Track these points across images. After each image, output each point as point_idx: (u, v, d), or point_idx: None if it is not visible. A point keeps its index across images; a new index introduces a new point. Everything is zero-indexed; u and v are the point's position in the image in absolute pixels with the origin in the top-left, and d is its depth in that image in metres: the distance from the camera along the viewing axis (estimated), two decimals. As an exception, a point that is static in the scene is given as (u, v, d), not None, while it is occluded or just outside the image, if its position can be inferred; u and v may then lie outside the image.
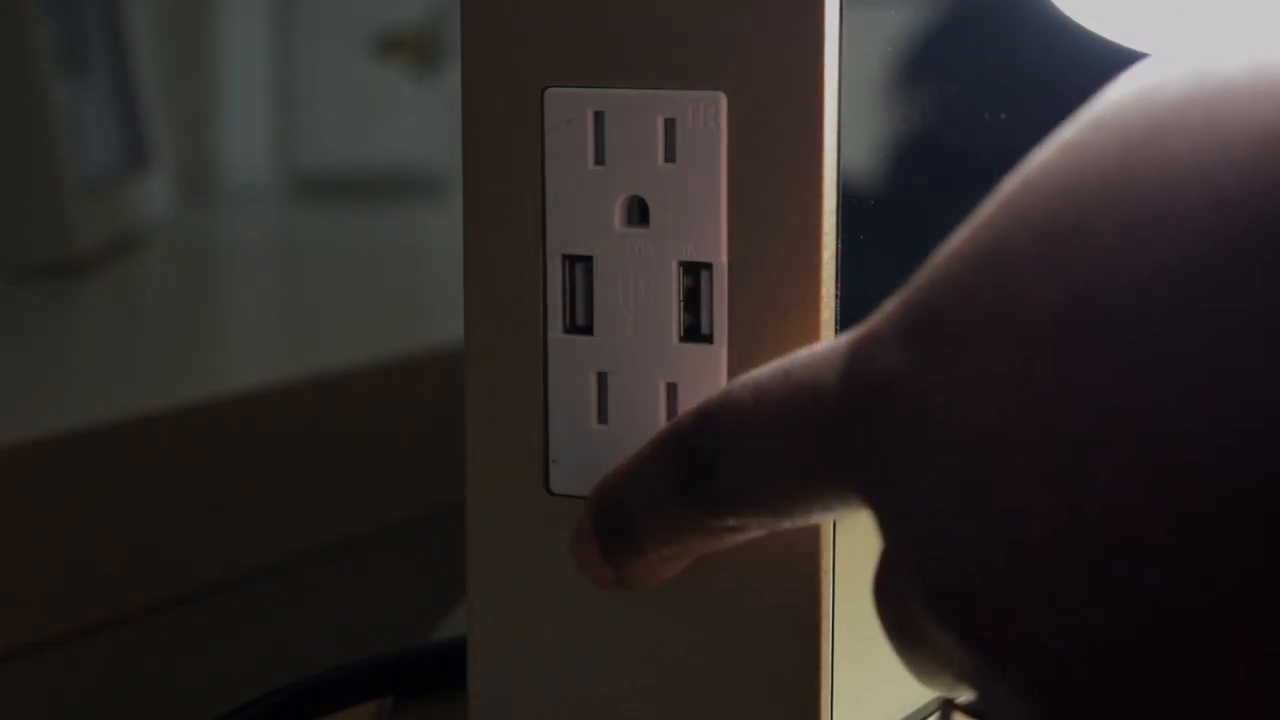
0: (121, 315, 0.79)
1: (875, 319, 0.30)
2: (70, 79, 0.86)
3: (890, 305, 0.29)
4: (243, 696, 0.43)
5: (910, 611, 0.29)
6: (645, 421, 0.36)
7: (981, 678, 0.27)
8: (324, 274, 0.92)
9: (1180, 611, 0.24)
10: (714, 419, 0.33)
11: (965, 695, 0.32)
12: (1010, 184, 0.28)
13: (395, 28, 1.04)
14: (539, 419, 0.37)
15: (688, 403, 0.36)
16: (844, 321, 0.35)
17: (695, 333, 0.36)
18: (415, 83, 1.06)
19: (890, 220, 0.38)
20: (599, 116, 0.36)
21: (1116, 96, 0.27)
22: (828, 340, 0.31)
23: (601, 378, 0.37)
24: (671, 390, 0.36)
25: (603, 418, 0.37)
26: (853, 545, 0.36)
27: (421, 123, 1.12)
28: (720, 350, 0.36)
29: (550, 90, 0.37)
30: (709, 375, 0.36)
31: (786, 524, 0.33)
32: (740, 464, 0.32)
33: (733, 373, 0.36)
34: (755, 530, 0.33)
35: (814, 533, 0.35)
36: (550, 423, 0.37)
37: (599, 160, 0.36)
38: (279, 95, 1.14)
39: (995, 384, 0.26)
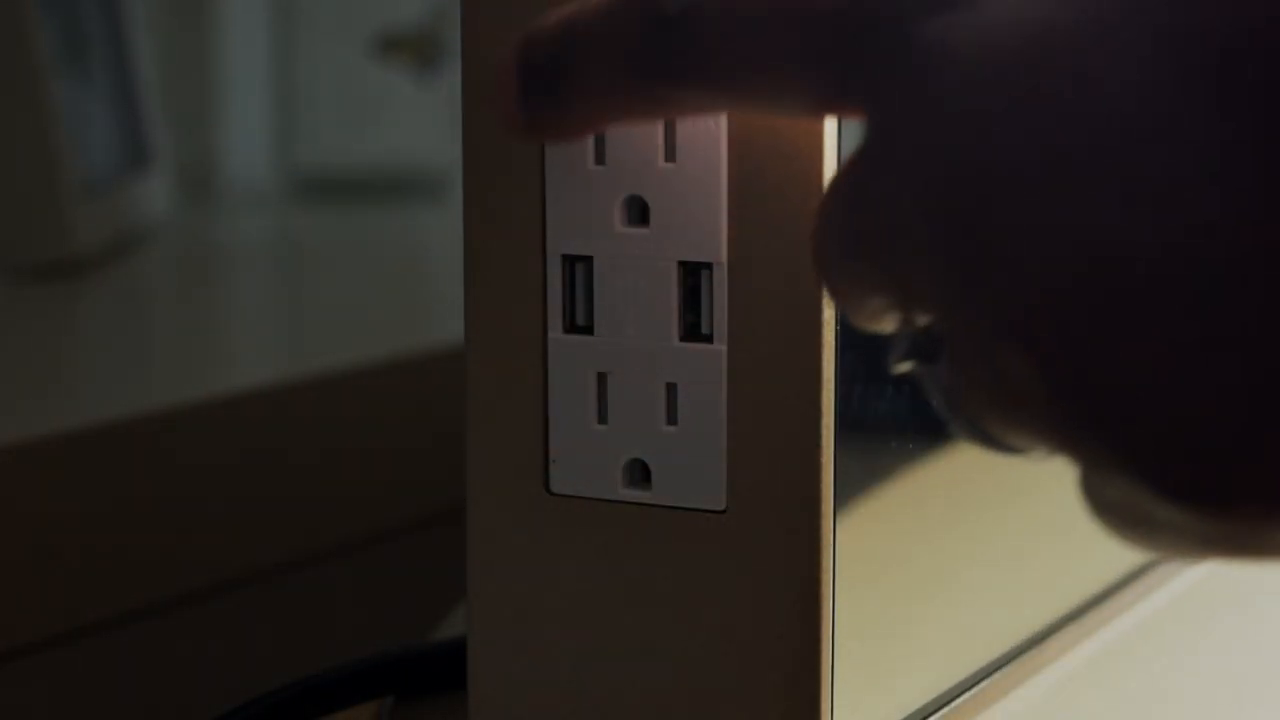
0: (121, 315, 0.79)
1: None
2: (70, 79, 0.86)
3: None
4: (243, 696, 0.43)
5: (887, 207, 0.28)
6: (645, 421, 0.36)
7: (953, 299, 0.27)
8: (324, 274, 0.92)
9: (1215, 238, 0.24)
10: None
11: (865, 316, 0.30)
12: None
13: (395, 28, 1.04)
14: (539, 419, 0.37)
15: (688, 403, 0.36)
16: (844, 321, 0.35)
17: (695, 333, 0.36)
18: (415, 83, 1.06)
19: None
20: (599, 116, 0.36)
21: None
22: None
23: (601, 378, 0.37)
24: (671, 390, 0.36)
25: (603, 418, 0.37)
26: (853, 545, 0.36)
27: (421, 123, 1.12)
28: (720, 350, 0.36)
29: (550, 90, 0.37)
30: (709, 375, 0.36)
31: (739, 109, 0.31)
32: (722, 34, 0.30)
33: (733, 373, 0.36)
34: (697, 110, 0.32)
35: (814, 532, 0.35)
36: (550, 423, 0.37)
37: (599, 160, 0.36)
38: (279, 95, 1.14)
39: None
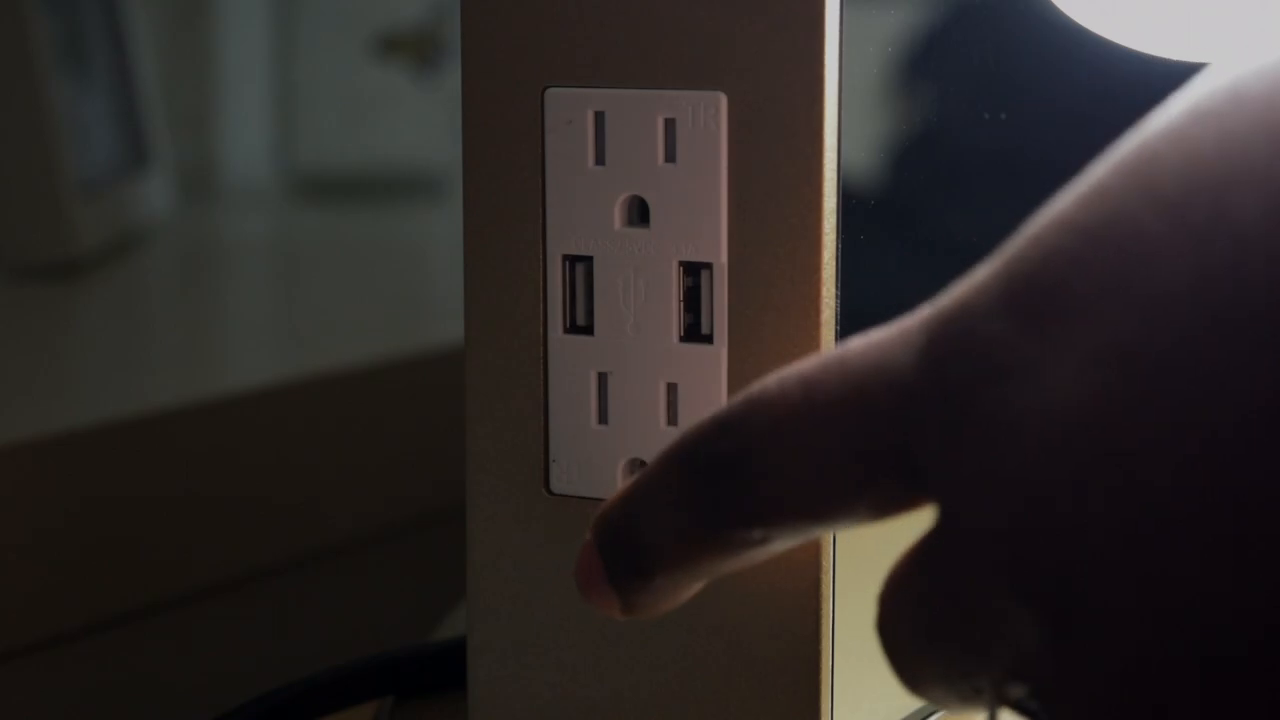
0: (121, 315, 0.79)
1: (958, 295, 0.28)
2: (70, 79, 0.86)
3: (979, 278, 0.28)
4: (243, 696, 0.43)
5: (969, 591, 0.27)
6: (645, 421, 0.36)
7: (1055, 669, 0.26)
8: (324, 274, 0.92)
9: None
10: (741, 423, 0.30)
11: (966, 710, 0.31)
12: (1129, 150, 0.27)
13: (395, 28, 1.04)
14: (539, 419, 0.37)
15: (688, 402, 0.36)
16: (844, 321, 0.35)
17: (695, 333, 0.36)
18: (415, 83, 1.06)
19: (890, 220, 0.38)
20: (599, 116, 0.36)
21: (1260, 65, 0.26)
22: (875, 332, 0.30)
23: (601, 378, 0.37)
24: (671, 390, 0.36)
25: (603, 418, 0.37)
26: (853, 545, 0.36)
27: (421, 123, 1.11)
28: (720, 350, 0.36)
29: (550, 90, 0.37)
30: (709, 375, 0.36)
31: (822, 530, 0.31)
32: (781, 465, 0.30)
33: (733, 373, 0.36)
34: (779, 543, 0.31)
35: (814, 533, 0.35)
36: (550, 423, 0.37)
37: (599, 160, 0.36)
38: (279, 95, 1.14)
39: (1116, 357, 0.25)
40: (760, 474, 0.30)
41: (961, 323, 0.28)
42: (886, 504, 0.30)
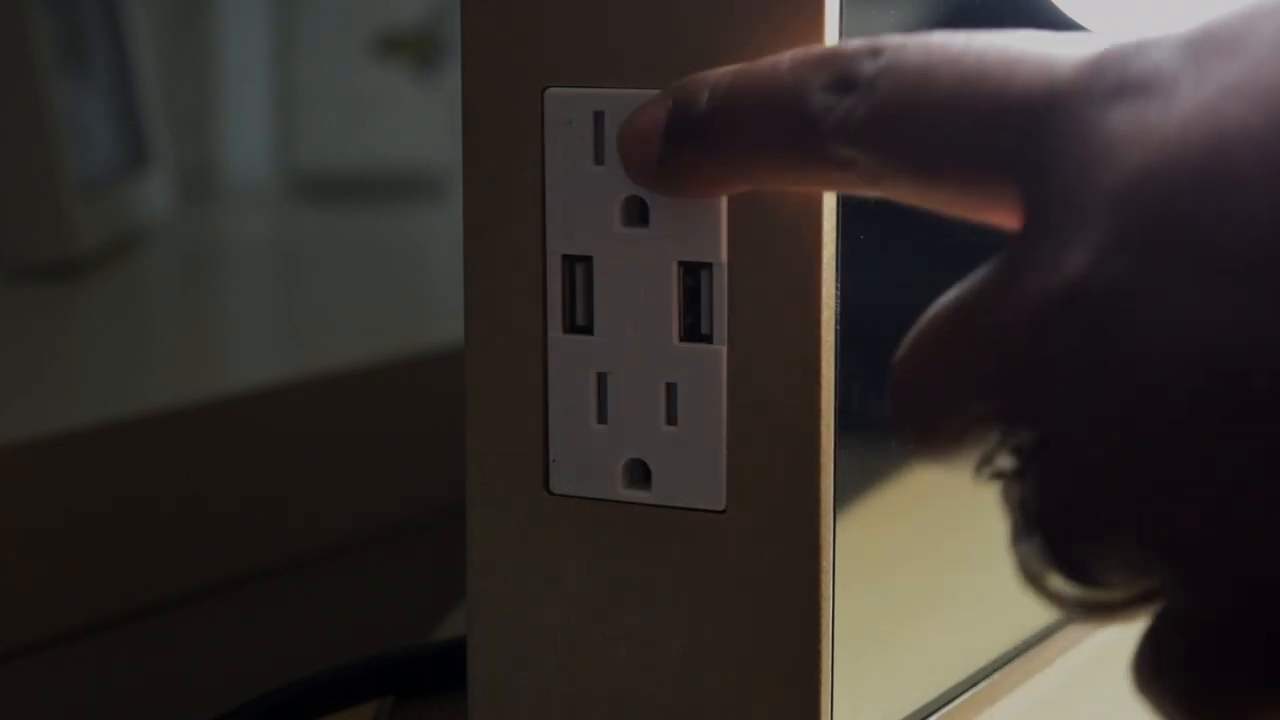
0: (121, 315, 0.79)
1: (1145, 33, 0.28)
2: (70, 79, 0.86)
3: (1171, 29, 0.28)
4: (243, 696, 0.43)
5: (1025, 313, 0.27)
6: (645, 421, 0.36)
7: (1077, 406, 0.26)
8: (324, 274, 0.92)
9: None
10: (895, 53, 0.30)
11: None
12: None
13: (395, 28, 1.04)
14: (539, 419, 0.37)
15: (688, 403, 0.36)
16: (844, 322, 0.35)
17: (695, 333, 0.36)
18: (415, 83, 1.06)
19: (890, 220, 0.38)
20: (599, 116, 0.36)
21: None
22: (1058, 36, 0.30)
23: (601, 378, 0.37)
24: (671, 390, 0.36)
25: (603, 418, 0.37)
26: (853, 545, 0.36)
27: (421, 123, 1.11)
28: (720, 350, 0.36)
29: (550, 90, 0.37)
30: (709, 375, 0.36)
31: (901, 185, 0.30)
32: (913, 100, 0.30)
33: (733, 373, 0.36)
34: (857, 177, 0.31)
35: (814, 533, 0.35)
36: (550, 423, 0.37)
37: (599, 160, 0.36)
38: (279, 95, 1.14)
39: (1251, 88, 0.26)
40: (889, 103, 0.30)
41: (1134, 47, 0.28)
42: (980, 192, 0.29)
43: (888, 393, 0.30)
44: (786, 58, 0.32)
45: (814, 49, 0.32)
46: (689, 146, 0.33)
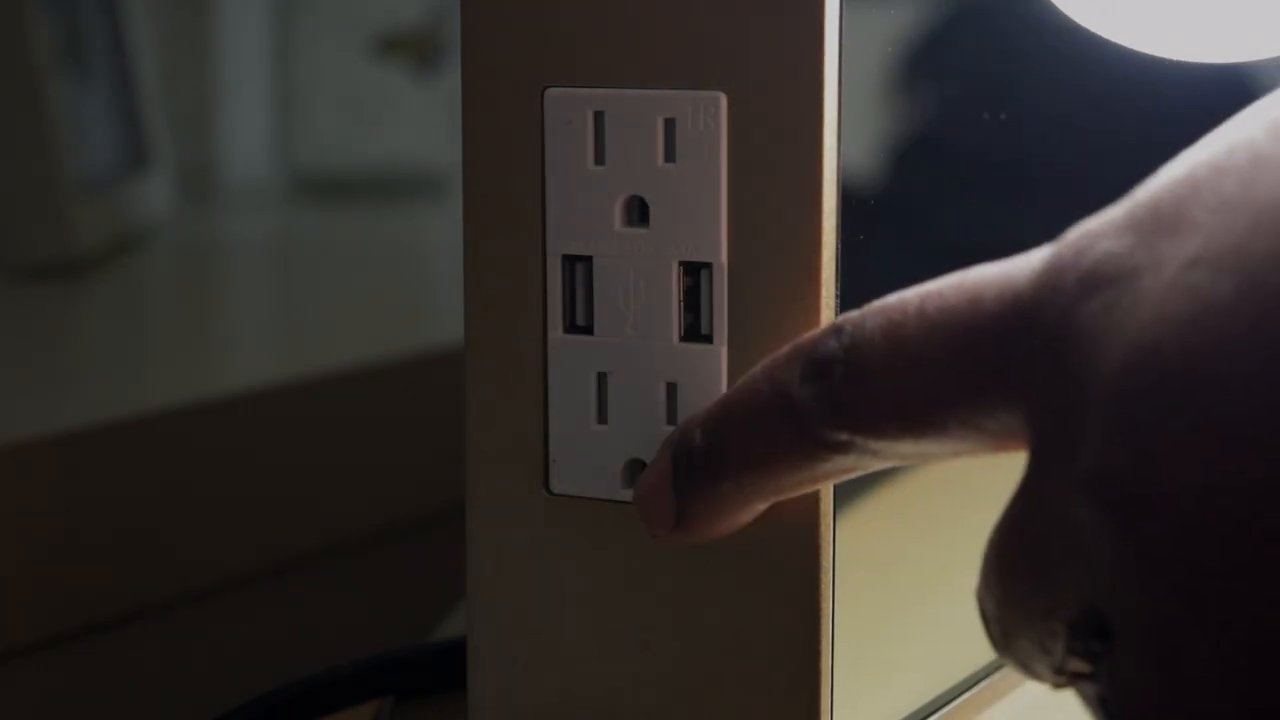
0: (121, 315, 0.79)
1: (1088, 223, 0.29)
2: (70, 79, 0.86)
3: (1110, 210, 0.29)
4: (243, 696, 0.43)
5: (1058, 519, 0.27)
6: (645, 421, 0.36)
7: (1125, 586, 0.26)
8: (324, 274, 0.92)
9: None
10: (857, 324, 0.31)
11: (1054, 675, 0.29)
12: (1263, 101, 0.28)
13: (395, 28, 1.04)
14: (539, 419, 0.37)
15: (688, 402, 0.36)
16: (844, 321, 0.35)
17: (695, 333, 0.36)
18: (415, 83, 1.06)
19: (890, 220, 0.38)
20: (599, 116, 0.36)
21: None
22: (1007, 260, 0.30)
23: (601, 378, 0.37)
24: (671, 390, 0.36)
25: (603, 418, 0.37)
26: (853, 545, 0.36)
27: (421, 123, 1.12)
28: (720, 350, 0.36)
29: (550, 90, 0.37)
30: (709, 375, 0.36)
31: (903, 446, 0.30)
32: (886, 364, 0.30)
33: (733, 373, 0.36)
34: (858, 456, 0.31)
35: (814, 532, 0.35)
36: (550, 423, 0.37)
37: (599, 160, 0.36)
38: (279, 95, 1.14)
39: (1211, 257, 0.26)
40: (865, 370, 0.30)
41: (1082, 242, 0.28)
42: (980, 425, 0.30)
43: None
44: (760, 370, 0.33)
45: (780, 352, 0.33)
46: (700, 487, 0.34)
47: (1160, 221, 0.27)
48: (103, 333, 0.75)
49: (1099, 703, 0.28)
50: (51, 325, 0.75)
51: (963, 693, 0.41)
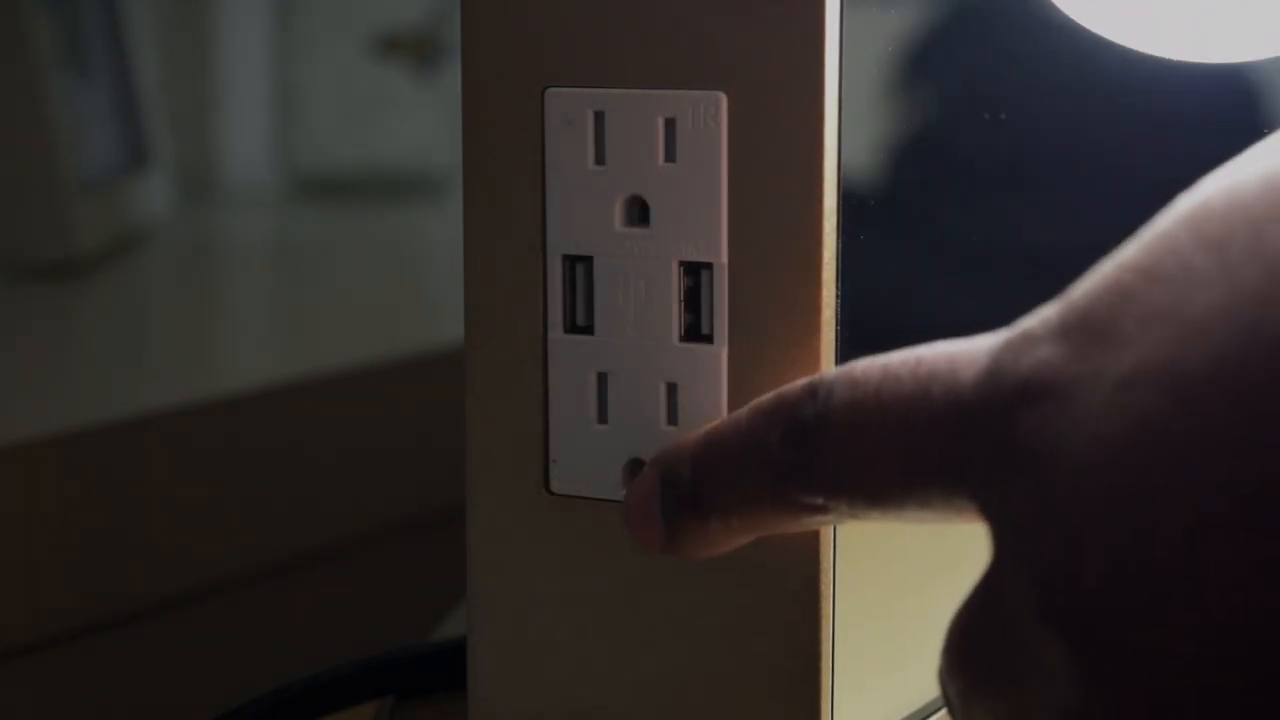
0: (121, 315, 0.79)
1: (1027, 322, 0.29)
2: (70, 78, 0.86)
3: (1045, 310, 0.29)
4: (243, 696, 0.43)
5: (1013, 631, 0.28)
6: (645, 421, 0.36)
7: (1083, 710, 0.26)
8: (324, 274, 0.92)
9: None
10: (828, 391, 0.32)
11: None
12: (1189, 200, 0.28)
13: (395, 28, 1.04)
14: (539, 419, 0.37)
15: (688, 403, 0.36)
16: (844, 322, 0.35)
17: (695, 333, 0.36)
18: (415, 83, 1.06)
19: (890, 220, 0.38)
20: (599, 116, 0.36)
21: None
22: (960, 341, 0.31)
23: (601, 378, 0.37)
24: (671, 390, 0.36)
25: (603, 418, 0.37)
26: (853, 545, 0.36)
27: (421, 123, 1.12)
28: (720, 350, 0.36)
29: (550, 90, 0.37)
30: (709, 375, 0.36)
31: (875, 515, 0.32)
32: (849, 441, 0.31)
33: (733, 373, 0.36)
34: (836, 516, 0.32)
35: (814, 533, 0.35)
36: (550, 423, 0.37)
37: (599, 160, 0.36)
38: (279, 95, 1.14)
39: (1147, 376, 0.26)
40: (830, 445, 0.31)
41: (1019, 347, 0.29)
42: (933, 509, 0.31)
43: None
44: (747, 414, 0.33)
45: (765, 399, 0.33)
46: (685, 518, 0.34)
47: (1092, 331, 0.28)
48: (103, 333, 0.75)
49: None
50: (51, 325, 0.75)
51: (963, 693, 0.41)
